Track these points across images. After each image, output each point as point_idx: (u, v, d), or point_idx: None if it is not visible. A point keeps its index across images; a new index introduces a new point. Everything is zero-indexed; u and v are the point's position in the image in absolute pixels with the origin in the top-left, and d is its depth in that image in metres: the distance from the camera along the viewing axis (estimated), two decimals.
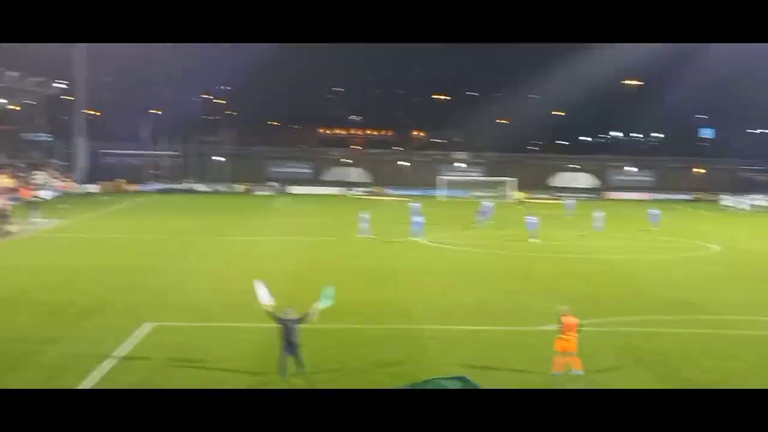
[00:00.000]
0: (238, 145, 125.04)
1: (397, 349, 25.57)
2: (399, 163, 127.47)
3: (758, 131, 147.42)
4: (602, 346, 25.93)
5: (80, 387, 20.91)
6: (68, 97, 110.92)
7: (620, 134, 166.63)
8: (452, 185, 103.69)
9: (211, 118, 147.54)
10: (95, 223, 62.68)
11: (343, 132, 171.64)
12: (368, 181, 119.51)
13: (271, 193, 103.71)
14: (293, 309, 22.80)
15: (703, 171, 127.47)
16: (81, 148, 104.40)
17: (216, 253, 47.14)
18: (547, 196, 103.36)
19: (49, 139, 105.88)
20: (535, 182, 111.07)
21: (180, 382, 21.66)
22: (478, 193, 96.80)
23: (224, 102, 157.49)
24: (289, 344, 22.07)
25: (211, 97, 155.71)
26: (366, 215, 55.98)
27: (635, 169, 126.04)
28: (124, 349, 24.76)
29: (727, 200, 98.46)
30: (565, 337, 22.76)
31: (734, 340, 27.92)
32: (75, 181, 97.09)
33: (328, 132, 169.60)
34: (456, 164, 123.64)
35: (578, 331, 22.92)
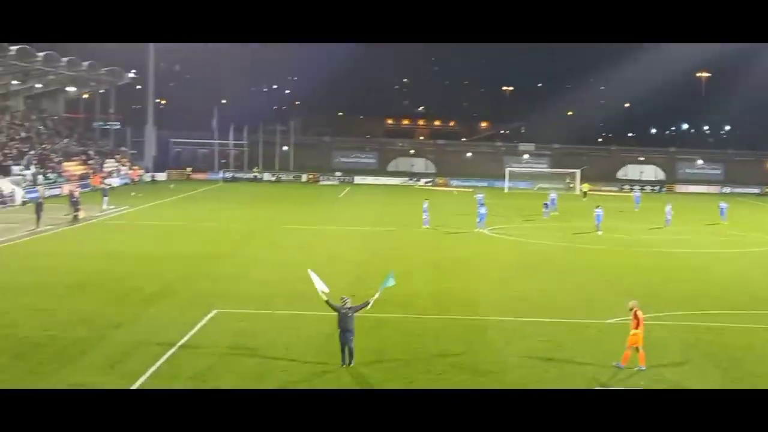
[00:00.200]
0: (304, 134, 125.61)
1: (460, 340, 25.51)
2: (464, 154, 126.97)
3: None
4: (669, 341, 25.61)
5: (145, 373, 21.17)
6: (138, 87, 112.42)
7: (689, 126, 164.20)
8: (517, 177, 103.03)
9: (278, 107, 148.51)
10: (163, 211, 63.40)
11: (409, 123, 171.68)
12: (433, 171, 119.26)
13: (337, 183, 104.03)
14: (351, 298, 22.94)
15: None
16: (150, 136, 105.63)
17: (281, 242, 47.41)
18: (614, 189, 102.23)
19: (119, 128, 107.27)
20: (601, 174, 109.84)
21: (242, 369, 21.84)
22: (542, 185, 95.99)
23: (291, 92, 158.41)
24: (344, 332, 22.20)
25: (279, 87, 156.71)
26: (428, 205, 55.73)
27: (702, 162, 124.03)
28: (188, 335, 25.01)
29: None
30: (635, 331, 22.50)
31: None
32: (144, 169, 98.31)
33: (394, 123, 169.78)
34: (521, 156, 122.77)
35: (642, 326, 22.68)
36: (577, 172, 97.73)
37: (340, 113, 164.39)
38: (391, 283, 23.72)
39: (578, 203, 75.25)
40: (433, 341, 25.29)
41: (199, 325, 26.27)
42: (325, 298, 22.84)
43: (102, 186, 69.43)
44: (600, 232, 53.10)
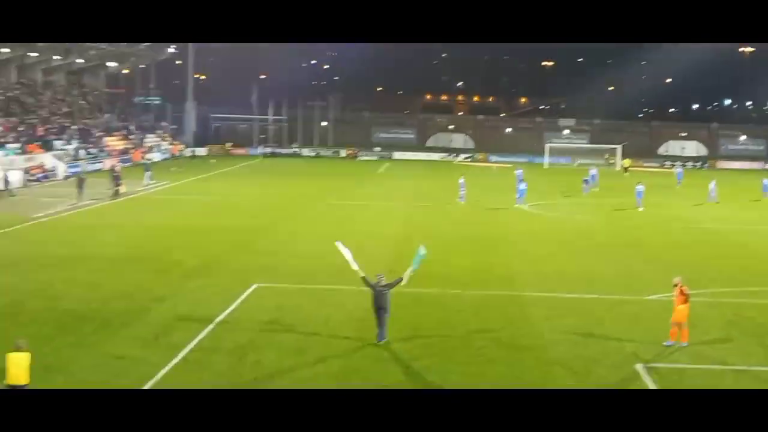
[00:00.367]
0: (343, 110, 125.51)
1: (499, 315, 25.51)
2: (503, 129, 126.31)
3: None
4: (711, 317, 25.43)
5: (186, 346, 21.36)
6: (178, 62, 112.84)
7: (731, 102, 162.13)
8: (557, 152, 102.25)
9: (317, 83, 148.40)
10: (203, 185, 63.77)
11: (448, 98, 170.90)
12: (472, 147, 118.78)
13: (376, 158, 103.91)
14: (384, 275, 22.93)
15: None
16: (190, 111, 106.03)
17: (321, 217, 47.53)
18: (655, 165, 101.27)
19: (160, 103, 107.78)
20: (642, 150, 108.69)
21: (282, 344, 21.98)
22: (582, 161, 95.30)
23: (330, 67, 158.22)
24: (379, 310, 22.20)
25: (318, 63, 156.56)
26: (464, 181, 55.53)
27: (745, 138, 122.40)
28: (229, 309, 25.22)
29: None
30: (680, 308, 22.31)
31: None
32: (184, 144, 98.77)
33: (432, 98, 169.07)
34: (561, 131, 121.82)
35: (687, 302, 22.47)
36: (618, 147, 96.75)
37: (379, 89, 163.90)
38: (422, 253, 23.54)
39: (618, 180, 74.64)
40: (473, 316, 25.30)
41: (239, 300, 26.47)
42: (362, 274, 22.84)
43: (143, 161, 69.91)
44: (641, 209, 52.66)
